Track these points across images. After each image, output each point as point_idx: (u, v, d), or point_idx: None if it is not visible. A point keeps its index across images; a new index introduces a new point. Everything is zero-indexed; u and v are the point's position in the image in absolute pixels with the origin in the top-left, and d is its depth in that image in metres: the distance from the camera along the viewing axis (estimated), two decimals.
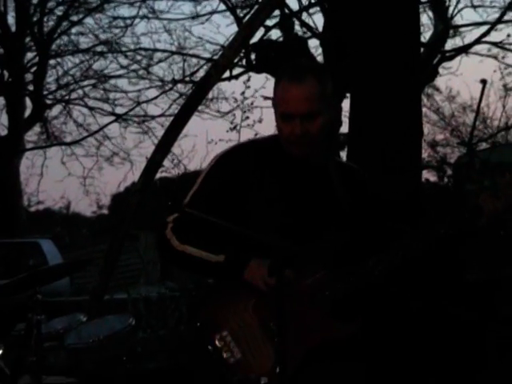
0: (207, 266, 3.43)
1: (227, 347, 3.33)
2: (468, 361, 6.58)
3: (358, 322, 3.40)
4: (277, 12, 10.11)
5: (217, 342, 3.35)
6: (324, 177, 3.57)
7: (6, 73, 20.33)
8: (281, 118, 3.42)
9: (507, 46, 16.78)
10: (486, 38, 16.05)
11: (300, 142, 3.40)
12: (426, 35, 13.82)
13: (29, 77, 20.95)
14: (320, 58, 11.91)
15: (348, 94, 7.69)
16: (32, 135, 20.90)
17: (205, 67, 16.05)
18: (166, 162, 10.78)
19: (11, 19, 20.46)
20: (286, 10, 9.99)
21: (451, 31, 14.61)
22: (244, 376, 3.29)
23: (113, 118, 20.75)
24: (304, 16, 12.41)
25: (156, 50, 19.73)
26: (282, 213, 3.42)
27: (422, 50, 10.71)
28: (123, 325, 6.27)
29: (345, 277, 3.37)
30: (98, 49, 20.44)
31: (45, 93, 20.84)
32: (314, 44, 11.76)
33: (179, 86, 18.48)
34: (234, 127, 11.63)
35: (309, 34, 12.43)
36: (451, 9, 14.57)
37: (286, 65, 3.62)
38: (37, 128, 20.90)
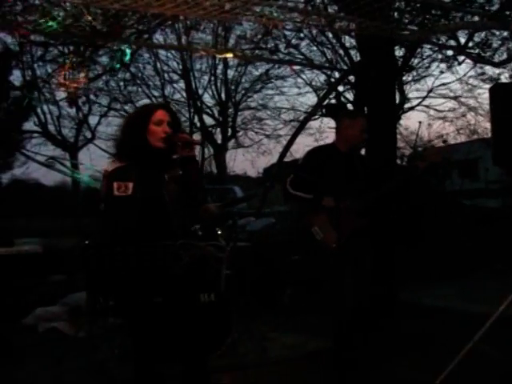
0: (306, 201, 3.37)
1: (317, 233, 3.32)
2: None
3: (367, 219, 3.38)
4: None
5: (312, 231, 3.33)
6: (354, 161, 3.48)
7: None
8: (360, 132, 3.41)
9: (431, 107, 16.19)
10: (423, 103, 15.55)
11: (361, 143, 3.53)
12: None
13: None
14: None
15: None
16: (232, 143, 20.53)
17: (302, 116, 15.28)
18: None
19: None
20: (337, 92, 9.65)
21: (406, 100, 14.25)
22: (325, 244, 3.28)
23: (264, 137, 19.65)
24: (345, 93, 12.14)
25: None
26: (340, 179, 3.36)
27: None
28: (270, 222, 6.39)
29: (362, 199, 3.35)
30: None
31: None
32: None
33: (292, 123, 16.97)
34: (316, 140, 12.93)
35: (346, 101, 12.20)
36: (406, 91, 14.03)
37: (344, 112, 3.83)
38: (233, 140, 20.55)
